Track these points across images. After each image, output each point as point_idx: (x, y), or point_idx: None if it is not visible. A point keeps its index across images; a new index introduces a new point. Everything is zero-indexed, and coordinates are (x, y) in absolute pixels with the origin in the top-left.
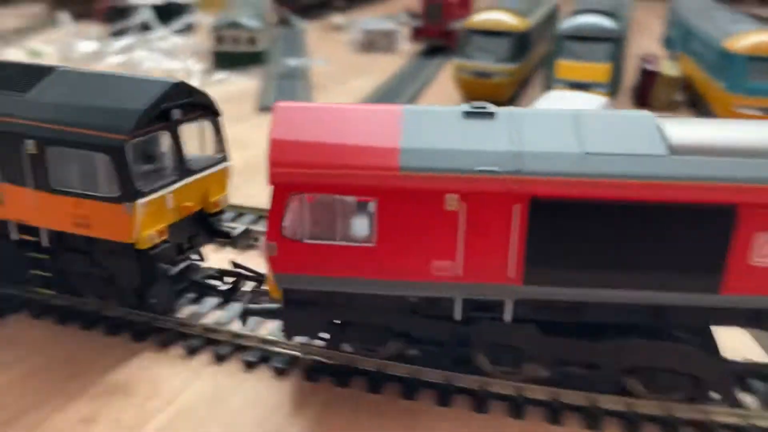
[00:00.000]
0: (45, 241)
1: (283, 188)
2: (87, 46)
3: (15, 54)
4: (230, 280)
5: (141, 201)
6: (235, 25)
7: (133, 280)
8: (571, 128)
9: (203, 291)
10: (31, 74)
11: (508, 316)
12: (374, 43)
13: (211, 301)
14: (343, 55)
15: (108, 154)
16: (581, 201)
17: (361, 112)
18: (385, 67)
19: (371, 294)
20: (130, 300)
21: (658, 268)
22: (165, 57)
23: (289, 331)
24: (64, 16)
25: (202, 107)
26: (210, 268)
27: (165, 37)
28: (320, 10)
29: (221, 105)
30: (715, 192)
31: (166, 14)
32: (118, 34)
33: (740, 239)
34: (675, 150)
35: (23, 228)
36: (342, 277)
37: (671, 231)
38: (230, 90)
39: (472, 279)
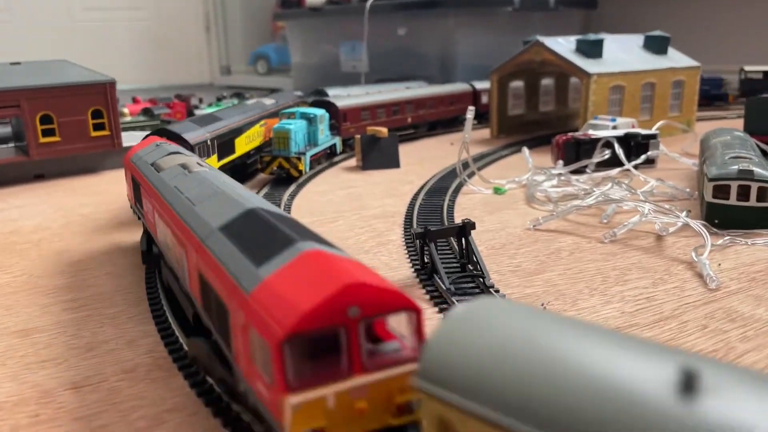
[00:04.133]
0: None
1: None
2: (551, 186)
3: (479, 188)
4: None
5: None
6: (747, 175)
7: None
8: None
9: None
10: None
11: None
12: None
13: None
14: None
15: None
16: None
17: None
18: None
19: None
20: None
21: None
22: (648, 204)
23: None
24: (525, 150)
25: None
26: None
27: (630, 175)
28: None
29: None
30: None
31: (625, 146)
32: (578, 171)
33: None
34: None
35: None
36: None
37: None
38: (747, 262)
39: None
